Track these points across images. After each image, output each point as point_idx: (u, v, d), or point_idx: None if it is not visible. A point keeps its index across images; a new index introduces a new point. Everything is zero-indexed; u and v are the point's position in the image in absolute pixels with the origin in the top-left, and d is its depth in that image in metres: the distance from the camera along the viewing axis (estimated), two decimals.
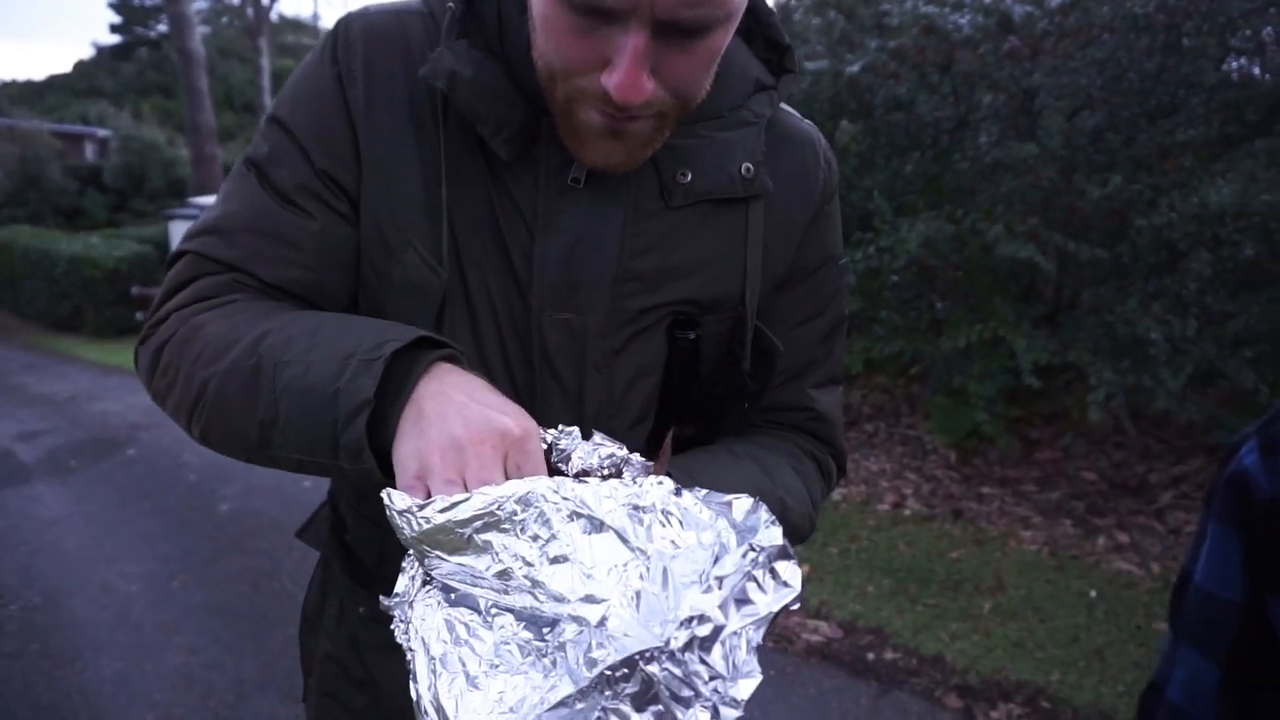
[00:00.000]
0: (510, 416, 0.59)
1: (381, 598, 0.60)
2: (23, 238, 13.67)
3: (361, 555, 0.90)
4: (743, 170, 0.76)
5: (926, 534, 3.66)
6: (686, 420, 0.84)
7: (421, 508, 0.54)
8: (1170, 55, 3.65)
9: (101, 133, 23.41)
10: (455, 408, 0.58)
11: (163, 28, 33.41)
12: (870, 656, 2.79)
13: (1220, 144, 3.67)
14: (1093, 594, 3.08)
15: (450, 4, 0.70)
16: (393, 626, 0.59)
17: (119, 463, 5.36)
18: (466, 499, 0.54)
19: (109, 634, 3.14)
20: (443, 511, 0.54)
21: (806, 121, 0.86)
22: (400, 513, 0.55)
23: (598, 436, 0.63)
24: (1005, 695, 2.57)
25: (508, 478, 0.57)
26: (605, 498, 0.54)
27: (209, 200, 14.02)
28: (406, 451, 0.58)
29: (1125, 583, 3.14)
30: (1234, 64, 3.80)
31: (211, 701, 2.69)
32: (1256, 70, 3.89)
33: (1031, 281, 4.14)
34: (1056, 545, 3.45)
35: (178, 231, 13.51)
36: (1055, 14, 3.56)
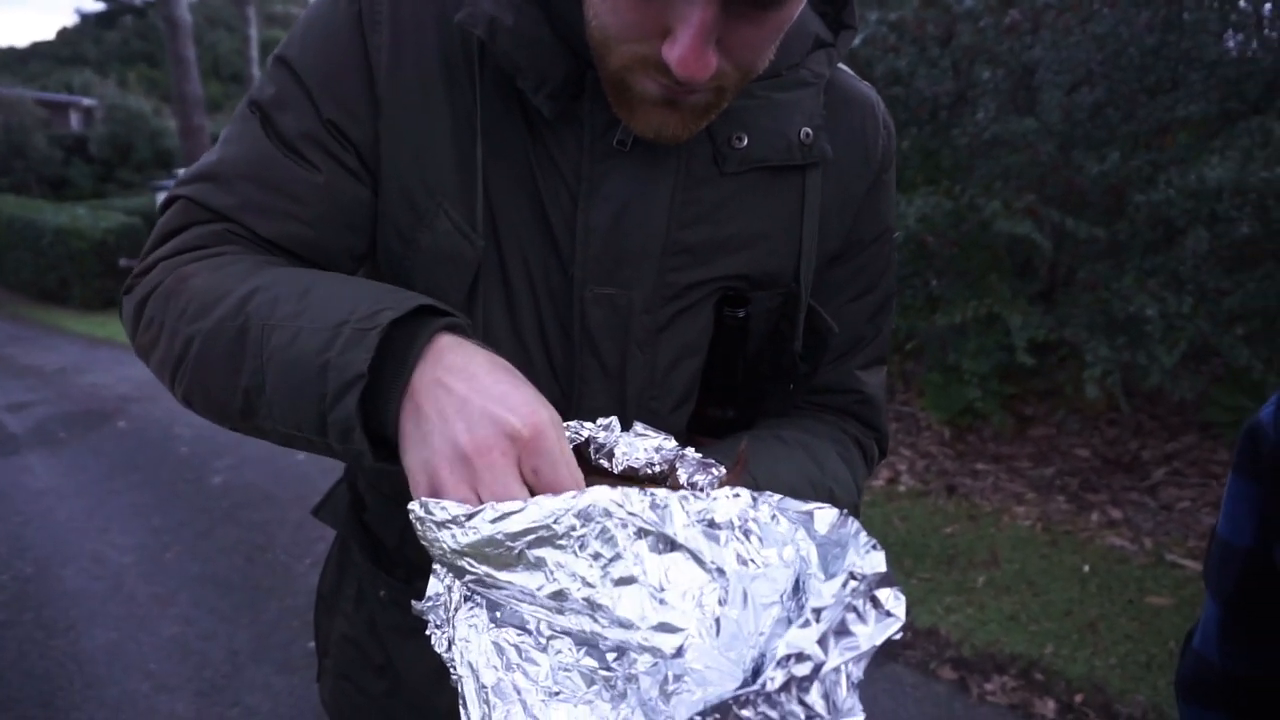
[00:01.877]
0: (516, 412, 0.52)
1: (414, 603, 0.56)
2: (7, 207, 13.50)
3: (382, 536, 0.86)
4: (801, 135, 0.71)
5: (921, 509, 3.67)
6: (728, 402, 0.80)
7: (470, 516, 0.49)
8: (1171, 30, 3.62)
9: (86, 101, 23.11)
10: (455, 404, 0.52)
11: None
12: None
13: (1219, 120, 3.65)
14: (1086, 569, 3.10)
15: None
16: (428, 633, 0.55)
17: (109, 435, 5.32)
18: (520, 509, 0.49)
19: (102, 604, 3.12)
20: (493, 522, 0.49)
21: (865, 83, 0.80)
22: (441, 524, 0.50)
23: (639, 426, 0.59)
24: (999, 668, 2.58)
25: (528, 485, 0.52)
26: (676, 513, 0.49)
27: None
28: (414, 462, 0.53)
29: (1118, 558, 3.16)
30: (1233, 40, 3.78)
31: (207, 671, 2.68)
32: (1255, 46, 3.87)
33: (1027, 259, 4.14)
34: (1050, 521, 3.47)
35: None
36: None
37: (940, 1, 3.62)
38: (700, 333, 0.76)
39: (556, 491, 0.51)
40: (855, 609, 0.47)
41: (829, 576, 0.49)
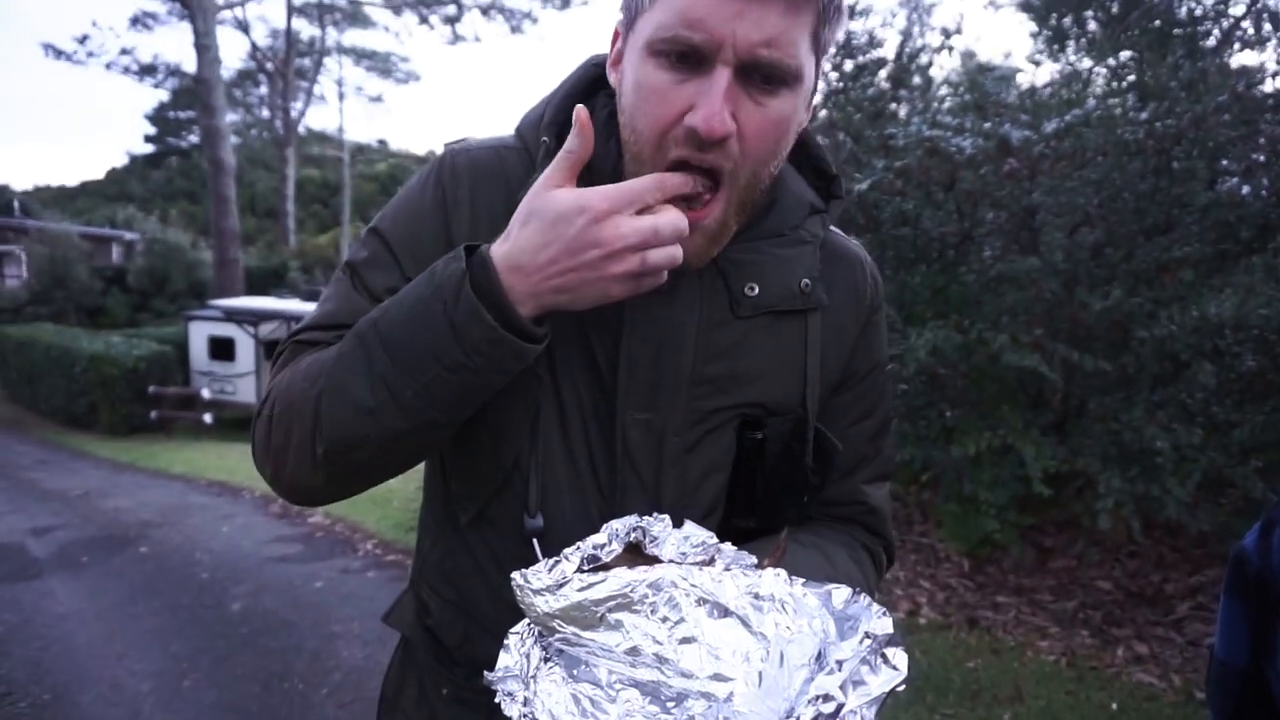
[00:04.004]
0: (583, 201, 0.68)
1: (486, 673, 0.64)
2: (45, 336, 13.98)
3: (444, 638, 0.95)
4: (802, 285, 0.86)
5: (943, 642, 3.63)
6: (751, 513, 0.90)
7: (560, 586, 0.61)
8: (1162, 177, 3.84)
9: (128, 235, 24.18)
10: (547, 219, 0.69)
11: (194, 139, 34.90)
12: None
13: (1215, 260, 3.82)
14: (1114, 706, 3.05)
15: (544, 139, 0.82)
16: (497, 700, 0.63)
17: (131, 559, 5.37)
18: (602, 580, 0.60)
19: None
20: (580, 591, 0.60)
21: (854, 241, 0.96)
22: (537, 591, 0.61)
23: (688, 525, 0.70)
24: None
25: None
26: (729, 586, 0.61)
27: (229, 302, 14.22)
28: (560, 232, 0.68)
29: (1147, 695, 3.11)
30: (1225, 184, 3.98)
31: None
32: (1246, 190, 4.07)
33: (1039, 390, 4.23)
34: (1075, 655, 3.42)
35: (197, 331, 13.84)
36: (1050, 138, 3.77)
37: (942, 150, 3.87)
38: (724, 452, 0.88)
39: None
40: (868, 662, 0.58)
41: (846, 639, 0.61)
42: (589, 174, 0.81)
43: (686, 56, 0.70)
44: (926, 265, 4.41)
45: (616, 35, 0.80)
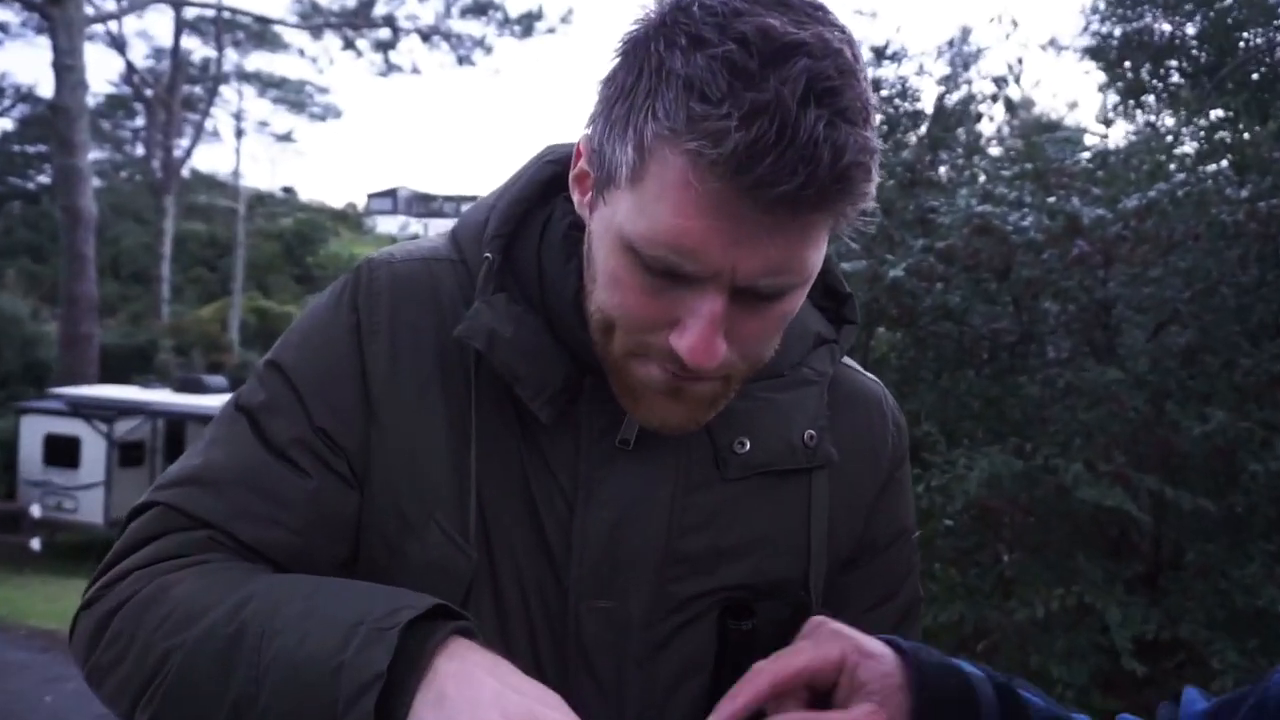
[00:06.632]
0: (544, 701, 0.64)
1: None
2: None
3: None
4: (805, 438, 0.86)
5: None
6: None
7: None
8: (1269, 267, 3.93)
9: None
10: (489, 694, 0.63)
11: (45, 179, 35.03)
12: None
13: None
14: None
15: (487, 255, 0.82)
16: None
17: None
18: None
19: None
20: None
21: (870, 377, 0.98)
22: None
23: None
24: None
25: None
26: None
27: (77, 390, 13.96)
28: None
29: None
30: None
31: None
32: None
33: (1122, 532, 4.21)
34: None
35: (31, 427, 13.56)
36: (1129, 217, 3.86)
37: (995, 229, 3.93)
38: (703, 647, 0.86)
39: None
40: None
41: None
42: (542, 299, 0.82)
43: (671, 274, 0.70)
44: (975, 371, 4.44)
45: (579, 155, 0.79)
